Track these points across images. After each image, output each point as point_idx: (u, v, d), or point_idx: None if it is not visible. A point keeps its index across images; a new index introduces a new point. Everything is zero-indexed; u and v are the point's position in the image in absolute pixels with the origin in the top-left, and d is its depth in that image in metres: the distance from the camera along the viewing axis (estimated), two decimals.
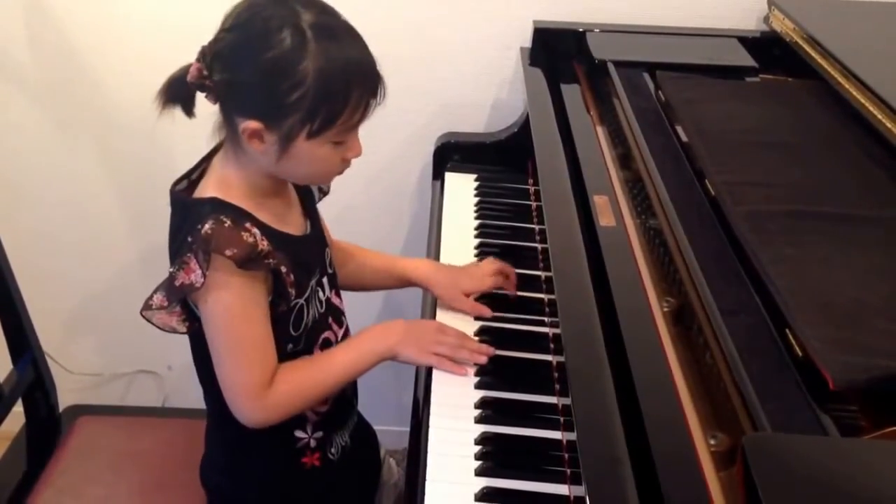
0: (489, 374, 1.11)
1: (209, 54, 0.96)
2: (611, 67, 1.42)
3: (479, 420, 1.04)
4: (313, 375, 1.07)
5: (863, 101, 1.14)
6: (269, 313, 1.02)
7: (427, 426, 1.03)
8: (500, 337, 1.16)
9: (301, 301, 1.06)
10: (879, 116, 1.10)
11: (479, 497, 0.94)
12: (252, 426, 1.04)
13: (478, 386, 1.09)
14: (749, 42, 1.51)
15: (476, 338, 1.14)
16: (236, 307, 0.99)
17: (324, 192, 1.20)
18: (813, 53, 1.31)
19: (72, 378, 1.95)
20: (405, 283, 1.26)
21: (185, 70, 0.98)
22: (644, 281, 1.02)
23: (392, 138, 1.73)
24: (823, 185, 1.06)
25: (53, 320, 1.88)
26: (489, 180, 1.58)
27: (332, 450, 1.16)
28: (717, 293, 0.90)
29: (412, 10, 1.62)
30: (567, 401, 0.98)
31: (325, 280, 1.13)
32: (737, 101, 1.29)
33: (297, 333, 1.07)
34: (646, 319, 0.95)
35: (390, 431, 1.54)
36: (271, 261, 0.99)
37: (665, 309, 0.97)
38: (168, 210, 1.04)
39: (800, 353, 0.80)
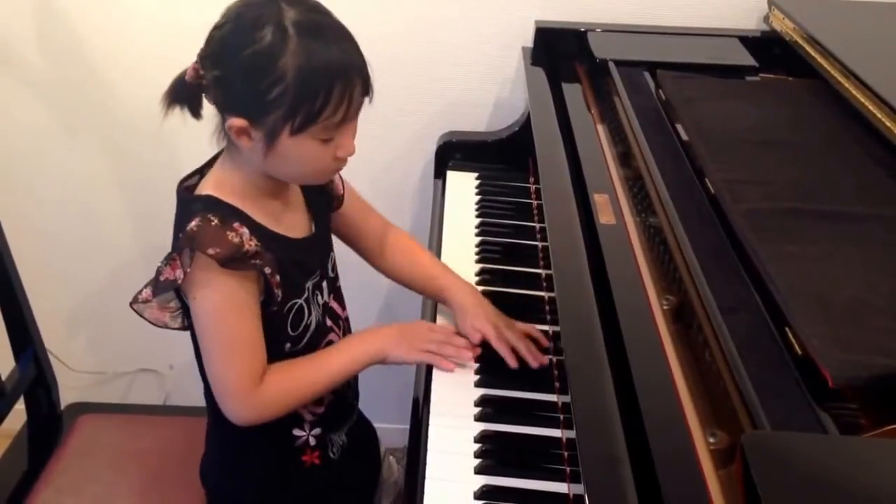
0: (489, 372, 1.11)
1: (203, 52, 0.97)
2: (612, 67, 1.42)
3: (478, 418, 1.04)
4: (303, 375, 1.07)
5: (862, 100, 1.14)
6: (259, 311, 1.02)
7: (427, 424, 1.04)
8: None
9: (300, 301, 1.07)
10: (879, 115, 1.10)
11: (478, 495, 0.94)
12: (241, 424, 1.05)
13: (478, 384, 1.10)
14: (749, 41, 1.51)
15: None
16: (223, 305, 0.99)
17: (340, 202, 1.19)
18: (813, 53, 1.31)
19: (74, 376, 1.95)
20: (441, 301, 1.23)
21: (186, 71, 0.98)
22: (644, 279, 1.02)
23: (394, 137, 1.73)
24: (823, 184, 1.06)
25: (56, 318, 1.89)
26: (490, 179, 1.58)
27: (332, 448, 1.17)
28: (716, 291, 0.90)
29: (414, 9, 1.62)
30: (567, 398, 0.98)
31: (324, 284, 1.13)
32: (737, 100, 1.29)
33: (296, 333, 1.07)
34: (645, 317, 0.95)
35: (390, 429, 1.54)
36: (257, 261, 0.99)
37: (665, 307, 0.97)
38: (172, 209, 1.05)
39: (799, 352, 0.80)
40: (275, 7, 0.93)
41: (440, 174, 1.62)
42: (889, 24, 1.42)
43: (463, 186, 1.56)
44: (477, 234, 1.41)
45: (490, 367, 1.12)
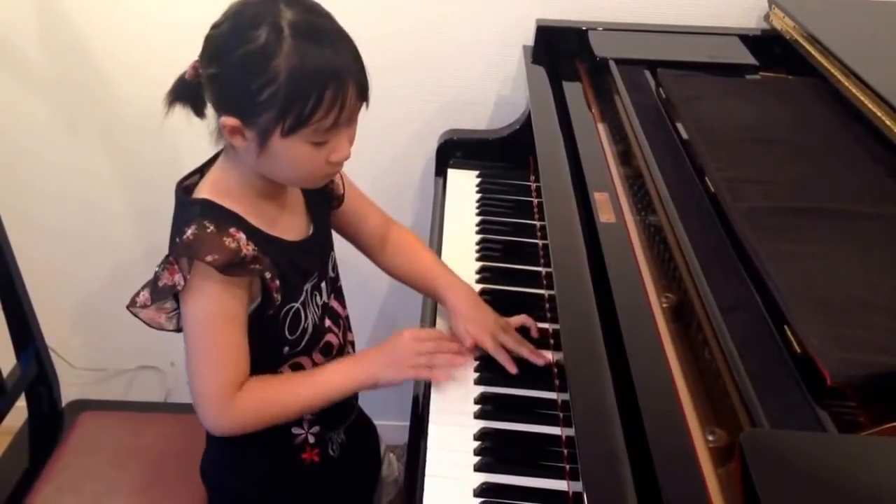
0: (489, 370, 1.11)
1: (202, 52, 0.97)
2: (612, 65, 1.42)
3: (478, 416, 1.05)
4: (282, 393, 1.06)
5: (862, 98, 1.14)
6: (246, 321, 1.01)
7: (427, 422, 1.04)
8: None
9: (296, 305, 1.06)
10: (879, 114, 1.10)
11: (478, 492, 0.95)
12: (214, 432, 1.04)
13: (477, 382, 1.10)
14: (750, 40, 1.51)
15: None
16: (211, 310, 0.99)
17: (339, 202, 1.19)
18: (813, 51, 1.31)
19: (75, 373, 1.95)
20: (437, 300, 1.22)
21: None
22: (644, 277, 1.02)
23: (395, 135, 1.73)
24: (823, 183, 1.06)
25: (58, 315, 1.88)
26: (491, 177, 1.58)
27: (332, 446, 1.17)
28: (716, 290, 0.90)
29: (416, 8, 1.62)
30: (566, 396, 0.98)
31: (323, 284, 1.13)
32: (737, 98, 1.29)
33: (294, 337, 1.07)
34: (645, 315, 0.96)
35: (391, 427, 1.54)
36: (256, 266, 0.98)
37: (664, 305, 0.97)
38: (173, 207, 1.05)
39: (798, 350, 0.80)
40: (273, 7, 0.92)
41: (441, 172, 1.62)
42: (889, 22, 1.42)
43: (464, 184, 1.56)
44: (478, 232, 1.42)
45: (490, 364, 1.12)
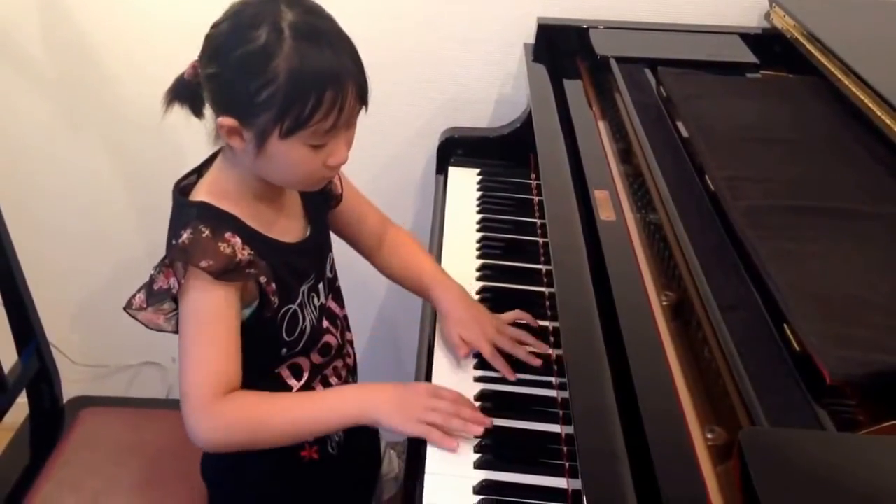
0: (488, 368, 1.11)
1: (201, 51, 0.96)
2: (613, 63, 1.42)
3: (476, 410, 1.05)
4: (269, 409, 1.00)
5: (862, 97, 1.14)
6: (238, 326, 1.00)
7: None
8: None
9: (293, 307, 1.06)
10: (879, 113, 1.10)
11: (477, 490, 0.95)
12: (196, 439, 0.99)
13: (477, 379, 1.10)
14: (750, 39, 1.51)
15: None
16: (203, 313, 0.98)
17: (337, 201, 1.19)
18: (813, 50, 1.32)
19: (76, 369, 1.96)
20: (431, 302, 1.20)
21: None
22: (643, 275, 1.02)
23: (396, 133, 1.74)
24: (823, 182, 1.06)
25: (59, 312, 1.89)
26: (492, 175, 1.58)
27: (331, 444, 1.17)
28: (715, 288, 0.90)
29: (417, 6, 1.62)
30: (566, 394, 0.98)
31: (320, 286, 1.12)
32: (737, 97, 1.29)
33: (292, 338, 1.07)
34: (645, 314, 0.96)
35: None
36: (252, 270, 0.98)
37: (664, 303, 0.98)
38: None
39: (797, 348, 0.80)
40: (273, 7, 0.92)
41: (442, 170, 1.62)
42: (890, 21, 1.43)
43: (464, 182, 1.57)
44: (478, 230, 1.42)
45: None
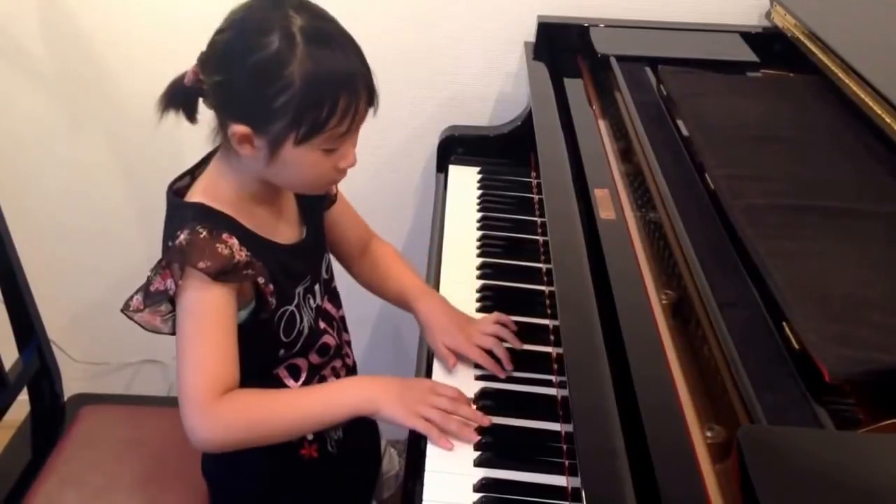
0: None
1: (204, 56, 0.95)
2: (613, 62, 1.42)
3: (477, 410, 1.05)
4: (269, 405, 1.01)
5: (863, 96, 1.15)
6: (235, 326, 1.00)
7: None
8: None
9: (290, 308, 1.06)
10: (879, 112, 1.10)
11: (477, 487, 0.95)
12: (196, 441, 0.98)
13: (478, 377, 1.10)
14: (751, 37, 1.51)
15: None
16: (200, 314, 0.97)
17: (332, 201, 1.19)
18: (814, 49, 1.32)
19: (77, 367, 1.96)
20: (411, 312, 1.20)
21: (185, 74, 0.98)
22: (643, 274, 1.03)
23: (397, 131, 1.74)
24: (823, 180, 1.06)
25: (60, 309, 1.89)
26: (492, 173, 1.58)
27: (330, 442, 1.17)
28: (715, 286, 0.90)
29: (417, 4, 1.62)
30: (566, 392, 0.98)
31: (316, 287, 1.12)
32: (738, 95, 1.29)
33: (289, 339, 1.07)
34: (644, 312, 0.96)
35: None
36: (249, 271, 0.98)
37: (664, 301, 0.98)
38: None
39: (797, 347, 0.80)
40: (281, 13, 0.92)
41: (442, 168, 1.62)
42: (891, 20, 1.42)
43: (465, 181, 1.57)
44: (479, 228, 1.42)
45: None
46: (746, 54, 1.45)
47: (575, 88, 1.47)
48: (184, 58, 0.99)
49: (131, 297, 1.01)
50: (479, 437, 1.00)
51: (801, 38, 1.37)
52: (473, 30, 1.64)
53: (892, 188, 1.04)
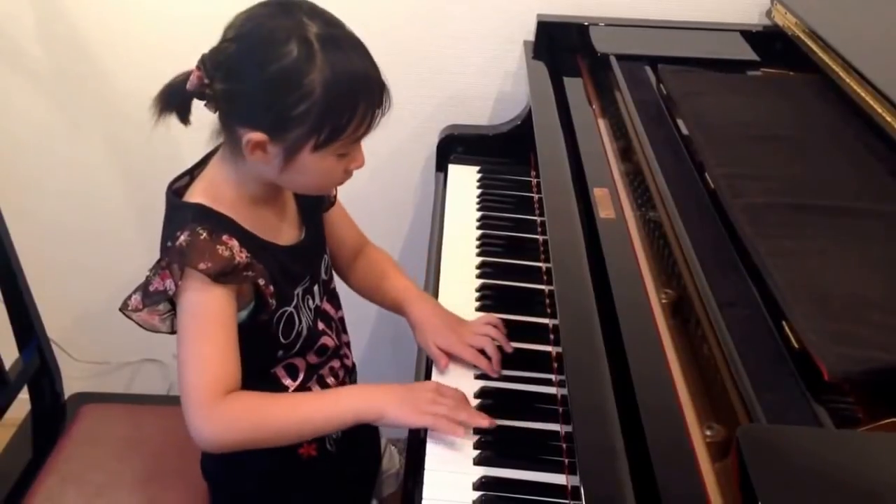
0: None
1: (211, 63, 0.94)
2: (613, 61, 1.42)
3: (478, 410, 1.05)
4: (272, 408, 1.00)
5: (864, 95, 1.14)
6: (235, 327, 1.00)
7: None
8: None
9: (289, 309, 1.06)
10: (880, 111, 1.10)
11: (477, 486, 0.95)
12: (198, 440, 0.98)
13: (478, 376, 1.10)
14: (751, 36, 1.51)
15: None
16: (200, 314, 0.97)
17: (331, 203, 1.19)
18: (814, 48, 1.31)
19: (78, 366, 1.96)
20: (402, 315, 1.21)
21: (184, 77, 0.97)
22: (643, 273, 1.03)
23: (396, 130, 1.74)
24: (823, 179, 1.06)
25: (61, 309, 1.89)
26: (492, 172, 1.58)
27: (329, 441, 1.17)
28: (715, 285, 0.90)
29: (417, 3, 1.62)
30: (566, 391, 0.98)
31: (315, 288, 1.12)
32: (738, 94, 1.29)
33: (288, 340, 1.07)
34: (644, 311, 0.96)
35: None
36: (249, 273, 0.98)
37: (663, 301, 0.98)
38: None
39: (796, 345, 0.80)
40: (295, 21, 0.91)
41: (442, 167, 1.62)
42: (891, 19, 1.42)
43: (464, 180, 1.57)
44: (478, 228, 1.42)
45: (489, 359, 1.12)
46: (747, 53, 1.45)
47: (574, 87, 1.47)
48: (181, 57, 0.99)
49: (129, 297, 1.01)
50: (493, 424, 1.01)
51: (802, 36, 1.37)
52: (473, 29, 1.64)
53: (892, 187, 1.04)
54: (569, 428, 0.97)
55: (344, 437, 1.19)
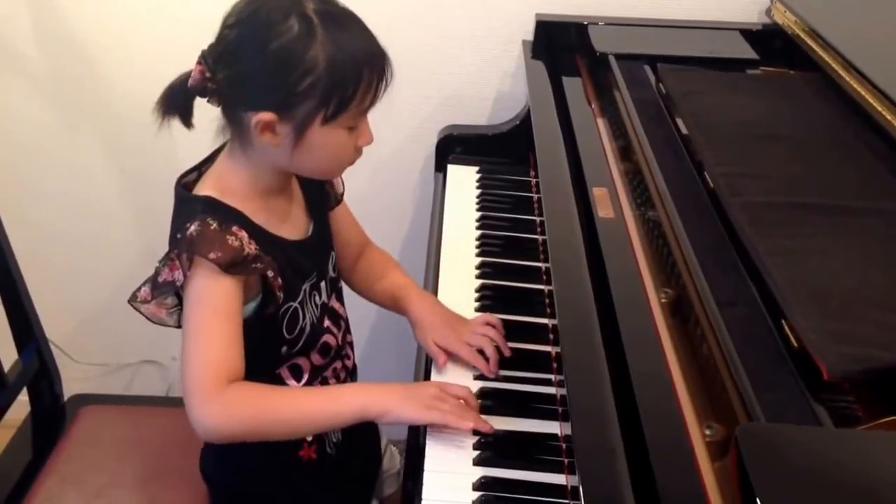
0: None
1: (212, 54, 0.95)
2: (612, 60, 1.42)
3: (477, 410, 1.05)
4: (275, 399, 1.00)
5: (863, 93, 1.14)
6: (241, 318, 1.00)
7: None
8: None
9: (294, 304, 1.06)
10: (880, 109, 1.10)
11: (477, 486, 0.95)
12: (198, 428, 0.98)
13: (477, 377, 1.10)
14: (751, 35, 1.51)
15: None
16: (206, 303, 0.97)
17: (338, 201, 1.20)
18: (814, 46, 1.31)
19: (78, 368, 1.96)
20: (402, 313, 1.21)
21: (184, 77, 0.97)
22: (642, 272, 1.02)
23: (395, 130, 1.74)
24: (822, 178, 1.06)
25: (61, 311, 1.89)
26: (491, 172, 1.58)
27: (329, 444, 1.17)
28: (714, 285, 0.90)
29: (416, 3, 1.62)
30: (565, 391, 0.98)
31: (322, 284, 1.12)
32: (737, 93, 1.29)
33: (292, 336, 1.07)
34: (643, 310, 0.96)
35: None
36: (258, 265, 0.98)
37: (662, 300, 0.98)
38: (171, 203, 1.05)
39: (795, 345, 0.80)
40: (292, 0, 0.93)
41: (441, 168, 1.62)
42: (891, 17, 1.42)
43: (464, 180, 1.56)
44: (478, 228, 1.42)
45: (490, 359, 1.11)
46: (746, 52, 1.45)
47: (574, 87, 1.47)
48: (179, 58, 0.99)
49: (139, 288, 1.01)
50: (491, 430, 1.00)
51: (802, 35, 1.37)
52: (472, 28, 1.64)
53: (891, 186, 1.04)
54: (568, 428, 0.97)
55: (345, 439, 1.19)
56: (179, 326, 1.03)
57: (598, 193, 1.16)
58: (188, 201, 1.02)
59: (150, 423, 1.40)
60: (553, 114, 1.39)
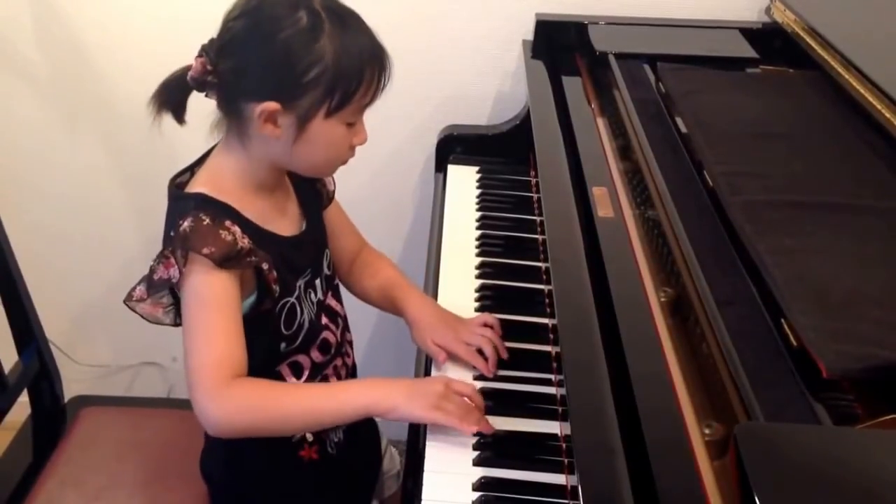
0: None
1: (214, 47, 0.96)
2: (612, 59, 1.42)
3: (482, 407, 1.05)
4: (280, 394, 1.01)
5: (863, 92, 1.14)
6: (240, 313, 1.00)
7: None
8: (501, 328, 1.17)
9: (291, 300, 1.06)
10: (880, 108, 1.10)
11: (477, 486, 0.95)
12: (205, 423, 0.98)
13: (477, 377, 1.10)
14: (750, 33, 1.51)
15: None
16: (207, 299, 0.97)
17: (330, 199, 1.20)
18: (814, 45, 1.31)
19: (78, 369, 1.96)
20: (399, 314, 1.21)
21: (182, 71, 0.98)
22: (641, 271, 1.02)
23: (395, 130, 1.74)
24: (822, 177, 1.06)
25: (61, 312, 1.90)
26: (491, 172, 1.58)
27: (330, 444, 1.17)
28: (713, 283, 0.90)
29: (415, 3, 1.62)
30: (565, 391, 0.98)
31: (317, 282, 1.12)
32: (737, 92, 1.29)
33: (290, 332, 1.07)
34: (643, 310, 0.96)
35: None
36: (252, 258, 0.98)
37: (662, 299, 0.97)
38: None
39: (795, 343, 0.80)
40: None
41: (441, 168, 1.62)
42: (891, 16, 1.42)
43: (464, 180, 1.56)
44: (478, 228, 1.42)
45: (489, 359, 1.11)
46: (746, 51, 1.45)
47: (573, 86, 1.47)
48: (179, 59, 0.99)
49: (134, 288, 1.01)
50: (492, 430, 1.00)
51: (801, 33, 1.37)
52: (471, 28, 1.64)
53: (891, 184, 1.04)
54: (568, 428, 0.97)
55: (345, 439, 1.19)
56: (176, 325, 1.03)
57: (597, 193, 1.16)
58: (181, 199, 1.02)
59: (151, 424, 1.40)
60: (553, 113, 1.39)
